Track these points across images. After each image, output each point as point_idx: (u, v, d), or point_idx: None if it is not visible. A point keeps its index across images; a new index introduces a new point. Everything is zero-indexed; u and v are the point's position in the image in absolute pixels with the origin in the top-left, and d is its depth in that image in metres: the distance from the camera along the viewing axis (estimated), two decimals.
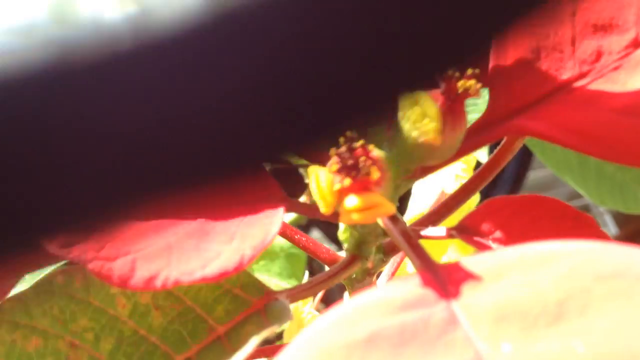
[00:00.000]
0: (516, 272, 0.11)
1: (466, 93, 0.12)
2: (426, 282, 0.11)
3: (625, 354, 0.09)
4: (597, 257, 0.11)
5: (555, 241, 0.11)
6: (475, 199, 0.20)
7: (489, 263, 0.11)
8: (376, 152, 0.11)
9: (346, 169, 0.11)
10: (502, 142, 0.15)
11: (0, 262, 0.08)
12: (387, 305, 0.10)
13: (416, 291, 0.10)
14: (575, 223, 0.13)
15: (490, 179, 0.14)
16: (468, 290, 0.10)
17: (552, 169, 0.36)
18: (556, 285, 0.10)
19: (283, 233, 0.16)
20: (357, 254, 0.16)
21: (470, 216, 0.14)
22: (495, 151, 0.16)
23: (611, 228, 0.78)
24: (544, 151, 0.34)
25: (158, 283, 0.11)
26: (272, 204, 0.13)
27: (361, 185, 0.11)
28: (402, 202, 0.18)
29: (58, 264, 0.16)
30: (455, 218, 0.15)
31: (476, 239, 0.14)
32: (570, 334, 0.09)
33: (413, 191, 0.26)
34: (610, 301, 0.09)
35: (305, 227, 0.39)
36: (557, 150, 0.35)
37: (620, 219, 0.78)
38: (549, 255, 0.11)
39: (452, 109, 0.12)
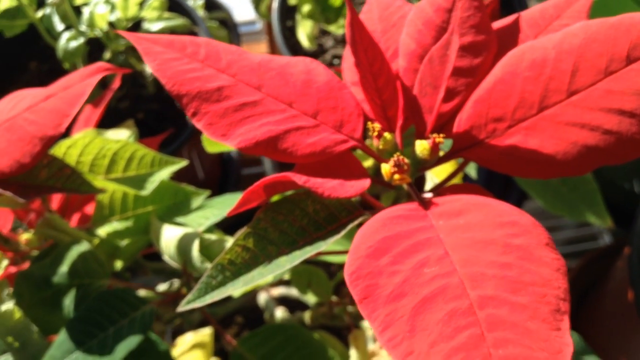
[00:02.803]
0: (451, 205, 0.31)
1: (438, 142, 0.32)
2: (418, 205, 0.31)
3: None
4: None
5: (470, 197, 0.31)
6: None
7: (443, 201, 0.31)
8: (406, 160, 0.31)
9: (397, 165, 0.31)
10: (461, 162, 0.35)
11: None
12: (402, 208, 0.30)
13: (414, 206, 0.30)
14: (483, 192, 0.33)
15: (453, 177, 0.35)
16: (433, 208, 0.30)
17: (523, 187, 0.55)
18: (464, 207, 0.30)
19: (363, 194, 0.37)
20: (396, 204, 0.36)
21: (443, 189, 0.34)
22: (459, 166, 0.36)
23: (606, 239, 0.97)
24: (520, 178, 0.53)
25: (320, 191, 0.31)
26: (365, 178, 0.33)
27: (400, 170, 0.31)
28: (420, 183, 0.38)
29: None
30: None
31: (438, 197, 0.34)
32: (461, 222, 0.29)
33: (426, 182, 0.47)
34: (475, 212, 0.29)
35: None
36: None
37: (615, 234, 0.96)
38: (464, 202, 0.31)
39: (434, 146, 0.32)
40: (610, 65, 0.31)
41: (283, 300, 0.66)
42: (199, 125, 0.32)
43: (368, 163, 0.45)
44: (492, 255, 0.25)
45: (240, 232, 0.30)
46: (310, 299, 0.54)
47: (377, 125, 0.33)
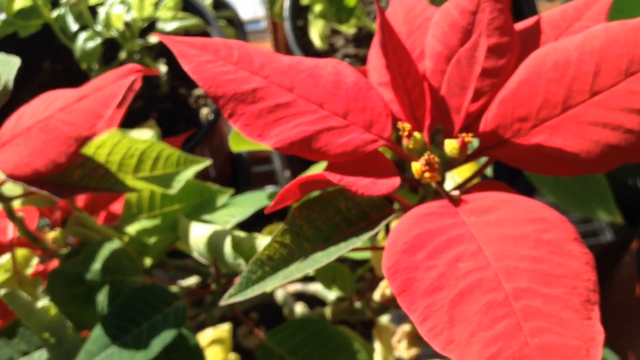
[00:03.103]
0: (480, 202, 0.32)
1: (467, 141, 0.33)
2: (448, 202, 0.32)
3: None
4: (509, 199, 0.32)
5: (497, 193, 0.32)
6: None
7: (472, 198, 0.32)
8: (436, 158, 0.33)
9: (428, 164, 0.32)
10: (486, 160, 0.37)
11: None
12: (434, 206, 0.31)
13: (444, 203, 0.32)
14: (508, 189, 0.34)
15: (477, 175, 0.36)
16: (463, 205, 0.31)
17: (535, 184, 0.57)
18: (493, 205, 0.31)
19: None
20: (423, 202, 0.37)
21: (468, 188, 0.35)
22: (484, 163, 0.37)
23: (607, 235, 0.98)
24: (531, 174, 0.55)
25: (353, 189, 0.32)
26: (395, 176, 0.34)
27: (431, 168, 0.32)
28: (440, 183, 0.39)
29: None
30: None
31: (467, 195, 0.35)
32: (483, 217, 0.30)
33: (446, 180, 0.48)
34: (506, 207, 0.30)
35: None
36: None
37: (616, 230, 0.97)
38: (493, 199, 0.32)
39: (463, 145, 0.33)
40: (631, 66, 0.32)
41: (299, 297, 0.67)
42: (235, 125, 0.33)
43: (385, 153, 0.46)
44: (524, 250, 0.27)
45: (278, 230, 0.31)
46: (330, 295, 0.56)
47: (407, 125, 0.34)
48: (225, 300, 0.29)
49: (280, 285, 0.30)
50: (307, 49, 0.90)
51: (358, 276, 0.52)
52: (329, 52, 0.91)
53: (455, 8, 0.37)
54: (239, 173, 1.00)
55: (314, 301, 0.64)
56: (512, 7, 0.90)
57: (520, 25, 0.38)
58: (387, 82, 0.36)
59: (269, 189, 1.13)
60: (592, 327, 0.23)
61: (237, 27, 1.12)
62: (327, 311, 0.52)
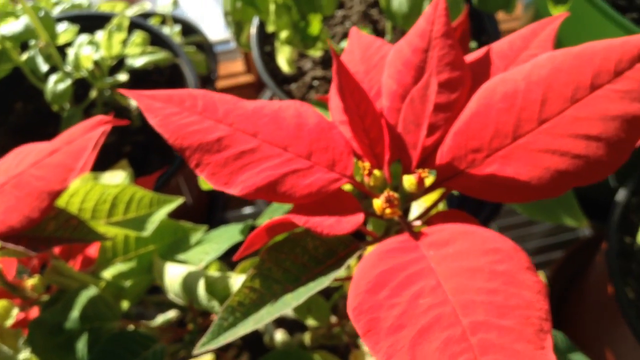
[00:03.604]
0: (439, 235, 0.33)
1: (423, 177, 0.35)
2: (409, 236, 0.33)
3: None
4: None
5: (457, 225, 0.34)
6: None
7: (432, 230, 0.34)
8: (395, 195, 0.34)
9: (388, 201, 0.34)
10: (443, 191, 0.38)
11: None
12: (395, 241, 0.32)
13: (405, 238, 0.33)
14: (468, 219, 0.36)
15: (437, 204, 0.37)
16: (423, 239, 0.33)
17: None
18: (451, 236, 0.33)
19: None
20: (386, 235, 0.39)
21: (430, 218, 0.37)
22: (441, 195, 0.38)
23: (585, 230, 1.01)
24: None
25: (319, 230, 0.34)
26: (359, 212, 0.35)
27: (391, 205, 0.34)
28: (406, 209, 0.40)
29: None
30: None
31: (427, 227, 0.36)
32: (453, 251, 0.32)
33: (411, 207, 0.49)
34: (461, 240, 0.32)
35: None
36: None
37: (594, 225, 1.00)
38: (451, 231, 0.33)
39: (420, 180, 0.35)
40: (576, 93, 0.34)
41: (281, 321, 0.68)
42: (202, 175, 0.34)
43: (347, 187, 0.47)
44: (480, 282, 0.28)
45: (247, 275, 0.32)
46: (310, 320, 0.57)
47: (367, 164, 0.35)
48: (198, 349, 0.30)
49: (252, 329, 0.31)
50: (276, 74, 0.91)
51: (334, 302, 0.53)
52: (298, 75, 0.92)
53: (407, 46, 0.38)
54: (216, 198, 1.01)
55: (294, 326, 0.65)
56: (475, 24, 0.93)
57: (470, 58, 0.40)
58: (346, 121, 0.38)
59: (247, 209, 1.14)
60: (545, 356, 0.25)
61: (207, 51, 1.13)
62: (307, 337, 0.53)
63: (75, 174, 0.41)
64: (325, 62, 0.93)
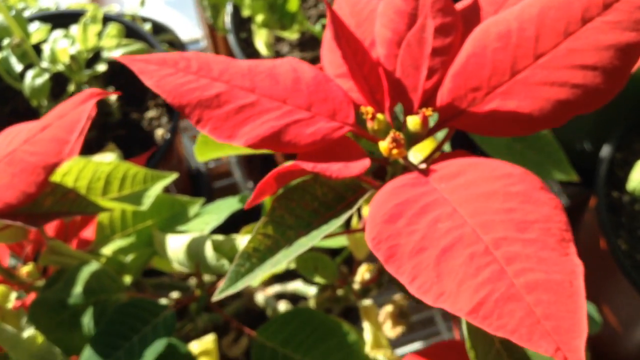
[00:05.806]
0: (448, 169, 0.34)
1: (428, 115, 0.35)
2: (418, 173, 0.34)
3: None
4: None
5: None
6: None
7: (440, 167, 0.34)
8: (401, 135, 0.34)
9: (394, 140, 0.34)
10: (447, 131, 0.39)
11: None
12: (405, 178, 0.33)
13: (415, 175, 0.33)
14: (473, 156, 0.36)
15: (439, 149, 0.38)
16: (432, 174, 0.33)
17: (487, 151, 0.59)
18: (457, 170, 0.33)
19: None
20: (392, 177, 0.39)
21: (433, 159, 0.37)
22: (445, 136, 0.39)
23: (563, 200, 1.02)
24: (482, 140, 0.57)
25: (327, 174, 0.34)
26: (365, 158, 0.35)
27: (398, 144, 0.34)
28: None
29: None
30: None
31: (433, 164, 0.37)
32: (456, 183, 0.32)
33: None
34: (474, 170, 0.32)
35: None
36: (492, 139, 0.58)
37: (570, 195, 1.01)
38: (459, 164, 0.34)
39: (424, 119, 0.35)
40: (568, 27, 0.34)
41: (280, 297, 0.68)
42: (204, 130, 0.34)
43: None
44: (496, 204, 0.28)
45: (260, 222, 0.32)
46: (311, 290, 0.57)
47: (369, 109, 0.35)
48: (217, 295, 0.30)
49: (265, 277, 0.31)
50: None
51: (337, 264, 0.53)
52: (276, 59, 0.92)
53: None
54: (200, 190, 1.00)
55: (295, 300, 0.65)
56: None
57: (460, 6, 0.41)
58: (344, 72, 0.38)
59: None
60: (570, 261, 0.25)
61: (179, 49, 1.12)
62: (312, 303, 0.53)
63: (69, 146, 0.40)
64: (302, 44, 0.93)
